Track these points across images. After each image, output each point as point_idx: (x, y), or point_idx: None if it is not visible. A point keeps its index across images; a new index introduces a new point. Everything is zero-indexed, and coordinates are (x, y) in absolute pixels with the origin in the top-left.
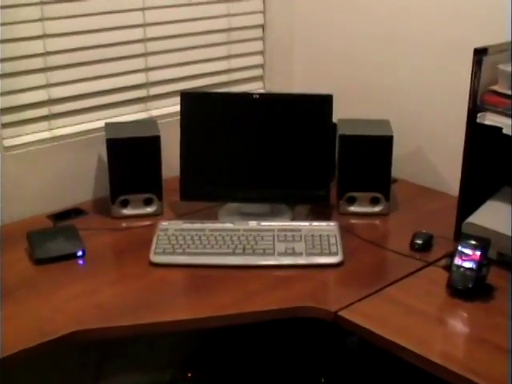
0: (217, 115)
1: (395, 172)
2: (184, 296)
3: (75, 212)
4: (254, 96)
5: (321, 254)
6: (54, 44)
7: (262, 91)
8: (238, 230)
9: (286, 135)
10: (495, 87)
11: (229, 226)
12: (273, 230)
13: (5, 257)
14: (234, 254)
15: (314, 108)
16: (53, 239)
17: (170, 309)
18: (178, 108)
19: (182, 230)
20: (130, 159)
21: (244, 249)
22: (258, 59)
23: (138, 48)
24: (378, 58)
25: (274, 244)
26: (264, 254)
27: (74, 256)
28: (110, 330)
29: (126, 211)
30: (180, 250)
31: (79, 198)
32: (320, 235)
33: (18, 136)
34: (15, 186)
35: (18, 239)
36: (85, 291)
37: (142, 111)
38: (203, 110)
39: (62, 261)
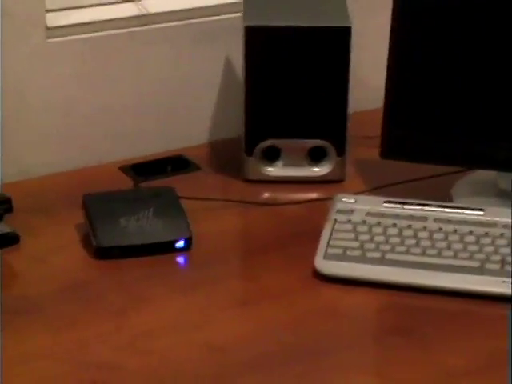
0: None
1: None
2: (375, 344)
3: (175, 164)
4: None
5: None
6: None
7: None
8: (494, 225)
9: None
10: None
11: (475, 214)
12: None
13: (38, 237)
14: (481, 271)
15: None
16: (132, 213)
17: (344, 366)
18: None
19: (382, 214)
20: (286, 70)
21: (503, 262)
22: None
23: None
24: None
25: None
26: None
27: (169, 247)
28: None
29: (275, 170)
30: (376, 255)
31: (183, 138)
32: None
33: (75, 8)
34: (64, 108)
35: (67, 206)
36: (184, 317)
37: None
38: None
39: (148, 255)
